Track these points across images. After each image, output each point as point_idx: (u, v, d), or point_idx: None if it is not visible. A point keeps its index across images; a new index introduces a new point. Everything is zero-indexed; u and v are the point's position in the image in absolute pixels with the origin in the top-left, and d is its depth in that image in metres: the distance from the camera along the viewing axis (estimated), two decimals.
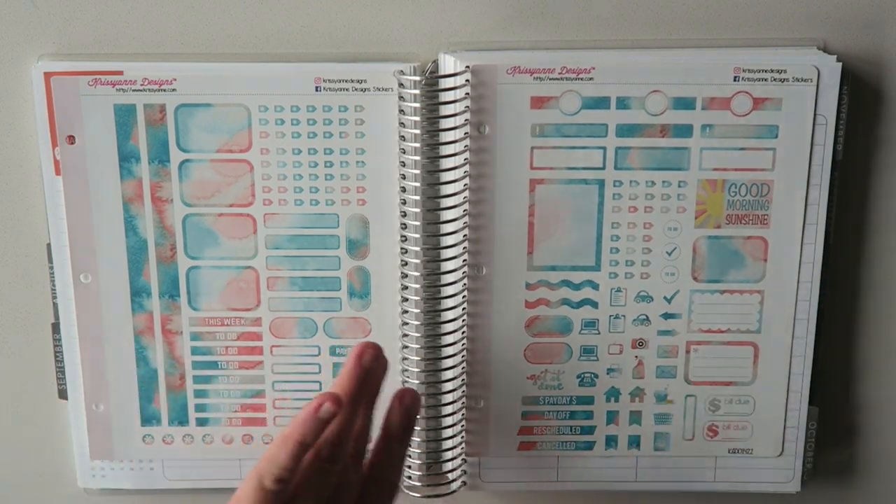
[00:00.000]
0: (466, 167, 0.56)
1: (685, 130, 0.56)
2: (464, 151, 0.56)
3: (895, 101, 0.58)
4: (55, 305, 0.60)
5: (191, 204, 0.58)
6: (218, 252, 0.59)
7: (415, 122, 0.55)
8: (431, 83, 0.55)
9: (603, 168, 0.57)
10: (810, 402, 0.61)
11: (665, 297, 0.59)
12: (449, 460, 0.61)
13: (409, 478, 0.61)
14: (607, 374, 0.60)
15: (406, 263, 0.58)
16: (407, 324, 0.59)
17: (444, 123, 0.56)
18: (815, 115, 0.56)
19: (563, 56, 0.56)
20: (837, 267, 0.61)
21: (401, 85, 0.55)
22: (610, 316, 0.60)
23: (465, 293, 0.58)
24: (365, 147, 0.57)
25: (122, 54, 0.57)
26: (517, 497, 0.66)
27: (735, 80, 0.56)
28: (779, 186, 0.57)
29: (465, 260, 0.58)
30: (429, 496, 0.61)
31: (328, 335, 0.60)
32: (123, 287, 0.59)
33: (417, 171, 0.56)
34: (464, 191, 0.57)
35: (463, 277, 0.58)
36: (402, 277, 0.58)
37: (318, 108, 0.57)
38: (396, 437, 0.52)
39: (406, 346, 0.59)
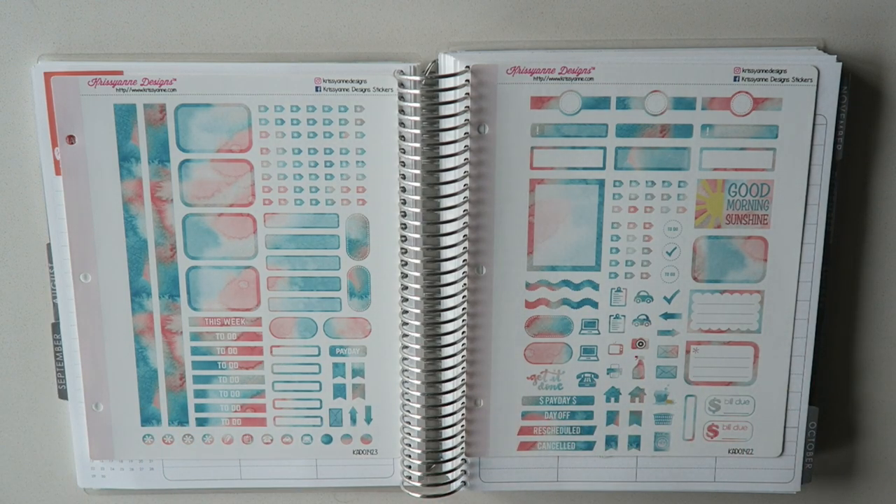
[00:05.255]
0: (466, 167, 0.56)
1: (685, 130, 0.56)
2: (464, 151, 0.56)
3: (895, 101, 0.58)
4: (55, 305, 0.60)
5: (191, 204, 0.58)
6: (218, 252, 0.59)
7: (415, 122, 0.55)
8: (431, 83, 0.55)
9: (603, 168, 0.57)
10: (810, 402, 0.61)
11: (665, 297, 0.59)
12: (449, 460, 0.61)
13: (409, 478, 0.61)
14: (607, 374, 0.60)
15: (406, 263, 0.58)
16: (407, 324, 0.59)
17: (444, 123, 0.56)
18: (815, 115, 0.56)
19: (563, 56, 0.56)
20: (837, 267, 0.61)
21: (401, 85, 0.55)
22: (610, 316, 0.60)
23: (465, 293, 0.58)
24: (365, 147, 0.57)
25: (122, 54, 0.57)
26: (517, 497, 0.66)
27: (735, 80, 0.56)
28: (779, 186, 0.57)
29: (465, 260, 0.58)
30: (429, 496, 0.61)
31: (328, 335, 0.60)
32: (123, 287, 0.59)
33: (417, 171, 0.56)
34: (464, 191, 0.57)
35: (463, 277, 0.58)
36: (402, 277, 0.58)
37: (318, 108, 0.57)
38: None
39: (406, 346, 0.59)
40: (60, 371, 0.61)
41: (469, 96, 0.55)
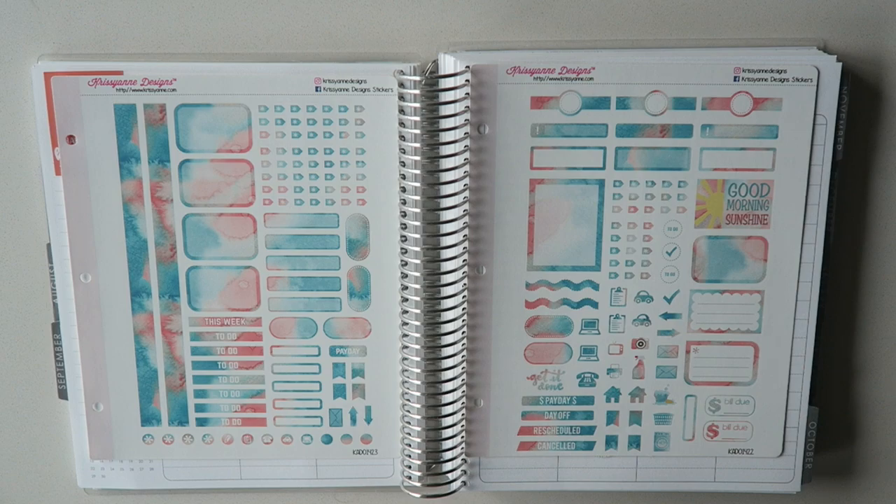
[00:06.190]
0: (466, 167, 0.56)
1: (685, 130, 0.56)
2: (464, 151, 0.56)
3: (895, 101, 0.58)
4: (55, 305, 0.60)
5: (191, 204, 0.58)
6: (218, 252, 0.59)
7: (415, 122, 0.55)
8: (431, 83, 0.55)
9: (603, 168, 0.57)
10: (810, 402, 0.61)
11: (665, 297, 0.59)
12: (449, 460, 0.61)
13: (409, 478, 0.61)
14: (607, 374, 0.60)
15: (406, 263, 0.58)
16: (407, 324, 0.59)
17: (444, 123, 0.56)
18: (815, 115, 0.56)
19: (563, 56, 0.56)
20: (837, 267, 0.61)
21: (401, 85, 0.55)
22: (610, 316, 0.60)
23: (465, 293, 0.58)
24: (365, 147, 0.57)
25: (122, 54, 0.57)
26: (517, 497, 0.66)
27: (735, 80, 0.56)
28: (779, 186, 0.57)
29: (465, 260, 0.58)
30: (429, 496, 0.61)
31: (328, 335, 0.60)
32: (123, 287, 0.59)
33: (417, 171, 0.56)
34: (464, 191, 0.57)
35: (463, 277, 0.58)
36: (402, 277, 0.58)
37: (318, 108, 0.57)
38: None
39: (406, 346, 0.59)
40: (60, 371, 0.61)
41: (469, 96, 0.55)
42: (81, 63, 0.56)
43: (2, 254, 0.61)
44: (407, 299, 0.58)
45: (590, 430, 0.62)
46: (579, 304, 0.59)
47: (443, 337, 0.59)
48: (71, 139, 0.56)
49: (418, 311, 0.58)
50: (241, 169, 0.57)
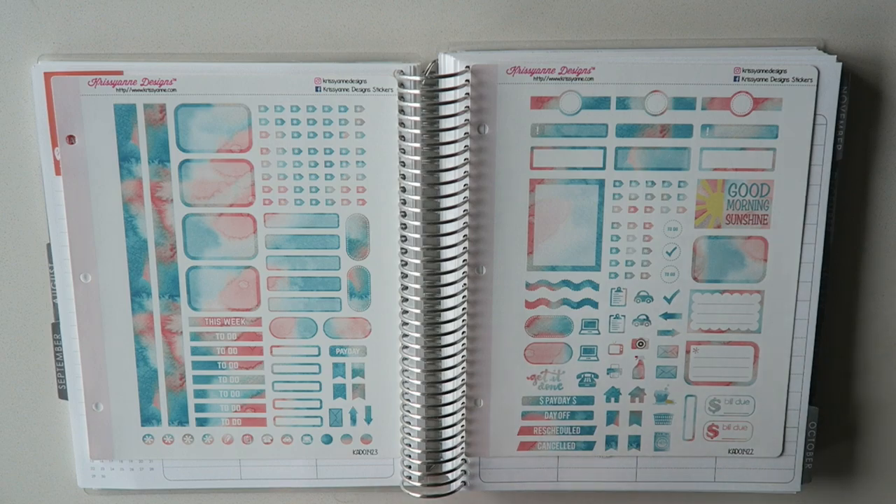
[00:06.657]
0: (466, 167, 0.56)
1: (685, 130, 0.56)
2: (464, 151, 0.56)
3: (895, 101, 0.58)
4: (55, 305, 0.60)
5: (191, 204, 0.58)
6: (218, 252, 0.59)
7: (415, 122, 0.55)
8: (431, 83, 0.55)
9: (603, 168, 0.57)
10: (810, 402, 0.61)
11: (665, 297, 0.59)
12: (449, 460, 0.61)
13: (409, 478, 0.61)
14: (607, 374, 0.60)
15: (406, 263, 0.58)
16: (407, 324, 0.59)
17: (444, 123, 0.56)
18: (815, 115, 0.56)
19: (563, 56, 0.56)
20: (837, 267, 0.61)
21: (401, 85, 0.55)
22: (610, 316, 0.60)
23: (465, 293, 0.58)
24: (365, 147, 0.57)
25: (122, 54, 0.57)
26: (517, 497, 0.66)
27: (735, 80, 0.56)
28: (779, 186, 0.57)
29: (465, 260, 0.58)
30: (429, 496, 0.61)
31: (328, 335, 0.60)
32: (123, 287, 0.59)
33: (417, 171, 0.56)
34: (464, 191, 0.57)
35: (463, 277, 0.58)
36: (402, 277, 0.58)
37: (318, 108, 0.57)
38: None
39: (406, 346, 0.59)
40: (60, 371, 0.61)
41: (469, 96, 0.55)
42: (81, 63, 0.56)
43: (2, 254, 0.61)
44: (407, 299, 0.58)
45: (590, 430, 0.62)
46: (579, 304, 0.59)
47: (443, 337, 0.59)
48: (71, 139, 0.56)
49: (418, 311, 0.58)
50: (241, 169, 0.57)
